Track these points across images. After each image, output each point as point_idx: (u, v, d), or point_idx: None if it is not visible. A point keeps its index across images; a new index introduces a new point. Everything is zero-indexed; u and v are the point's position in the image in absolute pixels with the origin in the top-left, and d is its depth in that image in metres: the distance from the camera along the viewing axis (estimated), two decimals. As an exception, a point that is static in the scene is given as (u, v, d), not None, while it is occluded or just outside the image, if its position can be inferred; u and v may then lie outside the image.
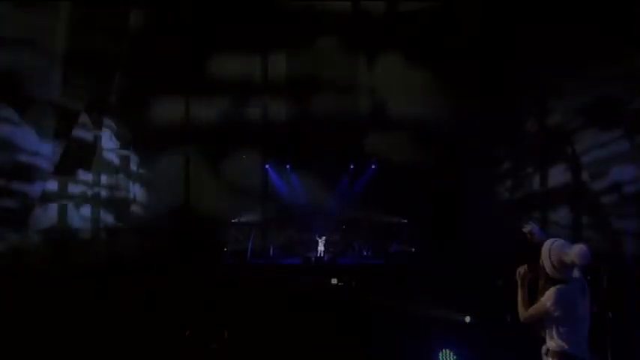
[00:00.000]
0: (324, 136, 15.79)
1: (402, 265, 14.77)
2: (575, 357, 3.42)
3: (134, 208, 14.17)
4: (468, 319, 5.12)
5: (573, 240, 10.61)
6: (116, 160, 13.47)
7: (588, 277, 7.50)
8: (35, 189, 9.44)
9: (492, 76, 11.77)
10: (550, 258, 3.59)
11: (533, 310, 3.50)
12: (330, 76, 10.56)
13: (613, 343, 4.54)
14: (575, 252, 3.49)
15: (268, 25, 13.57)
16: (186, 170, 17.17)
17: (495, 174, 15.60)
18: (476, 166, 16.79)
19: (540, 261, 3.66)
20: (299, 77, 11.78)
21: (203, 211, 16.96)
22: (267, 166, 18.94)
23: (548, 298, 3.46)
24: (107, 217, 12.80)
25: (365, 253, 19.18)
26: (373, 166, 18.85)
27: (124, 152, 13.92)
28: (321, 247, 18.05)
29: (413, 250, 18.01)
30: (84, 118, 10.50)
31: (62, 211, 10.96)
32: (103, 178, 12.68)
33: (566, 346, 3.40)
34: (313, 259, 16.81)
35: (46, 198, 10.17)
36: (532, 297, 3.56)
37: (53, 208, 10.61)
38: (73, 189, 11.36)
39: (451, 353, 4.22)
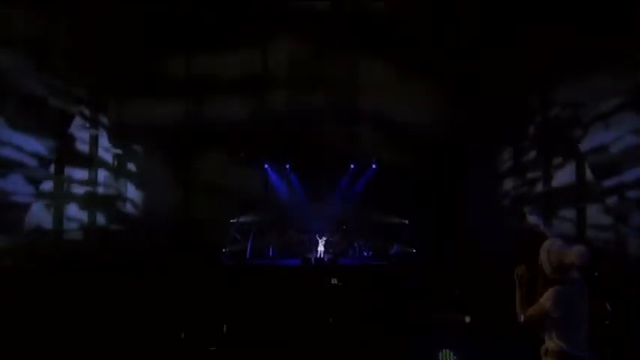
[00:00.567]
0: (325, 135, 15.79)
1: (402, 266, 14.79)
2: (574, 357, 3.44)
3: (123, 205, 14.07)
4: (468, 319, 5.14)
5: (575, 240, 10.67)
6: (108, 158, 13.42)
7: (589, 277, 7.54)
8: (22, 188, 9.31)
9: (494, 76, 11.78)
10: (549, 258, 3.61)
11: (532, 310, 3.52)
12: (331, 76, 10.56)
13: (614, 343, 4.56)
14: (575, 252, 3.51)
15: (268, 22, 13.63)
16: (183, 169, 17.18)
17: (497, 174, 15.62)
18: (477, 166, 16.81)
19: (539, 261, 3.68)
20: (299, 76, 11.78)
21: (201, 211, 16.99)
22: (266, 166, 18.97)
23: (547, 298, 3.48)
24: (99, 217, 12.72)
25: (365, 254, 19.26)
26: (374, 166, 18.93)
27: (117, 150, 13.91)
28: (321, 248, 18.07)
29: (414, 250, 18.03)
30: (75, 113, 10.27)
31: (58, 211, 10.94)
32: (96, 176, 12.57)
33: (565, 347, 3.42)
34: (313, 259, 16.82)
35: (40, 197, 10.16)
36: (531, 297, 3.57)
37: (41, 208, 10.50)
38: (66, 188, 11.30)
39: (451, 353, 4.24)
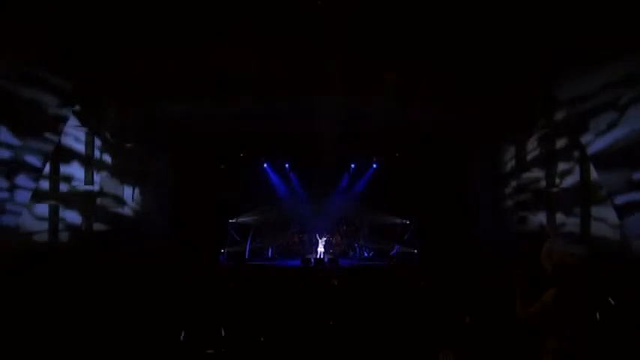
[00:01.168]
0: (325, 135, 15.79)
1: (403, 266, 14.79)
2: (575, 356, 3.45)
3: (118, 205, 14.00)
4: (467, 319, 5.15)
5: (577, 240, 10.60)
6: (105, 158, 13.32)
7: (591, 277, 7.55)
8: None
9: (496, 75, 11.78)
10: (551, 258, 3.61)
11: (533, 309, 3.52)
12: (334, 75, 10.55)
13: (615, 341, 4.56)
14: (576, 253, 3.52)
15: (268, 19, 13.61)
16: (180, 168, 17.20)
17: (499, 174, 15.62)
18: (479, 166, 16.82)
19: (541, 261, 3.68)
20: (299, 75, 11.77)
21: (199, 211, 17.01)
22: (265, 165, 18.98)
23: (549, 297, 3.49)
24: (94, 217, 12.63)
25: (366, 255, 19.29)
26: (374, 166, 18.93)
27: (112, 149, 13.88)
28: (320, 249, 18.09)
29: (415, 251, 18.04)
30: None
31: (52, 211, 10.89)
32: (92, 176, 12.46)
33: (565, 345, 3.43)
34: (313, 260, 16.84)
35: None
36: (532, 297, 3.58)
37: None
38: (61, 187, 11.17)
39: (451, 353, 4.25)
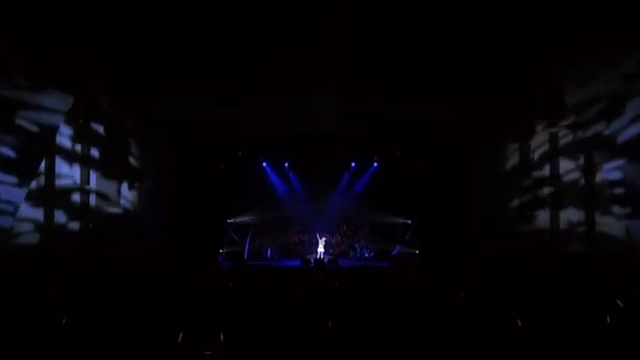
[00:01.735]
0: (325, 133, 15.75)
1: (404, 267, 14.73)
2: None
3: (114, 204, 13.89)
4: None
5: (584, 240, 10.40)
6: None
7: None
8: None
9: (499, 75, 11.75)
10: None
11: None
12: (333, 73, 10.51)
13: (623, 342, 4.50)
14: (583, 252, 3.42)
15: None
16: (178, 167, 17.15)
17: (500, 174, 15.56)
18: (482, 165, 16.76)
19: None
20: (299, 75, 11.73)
21: (197, 210, 16.96)
22: (264, 164, 18.91)
23: None
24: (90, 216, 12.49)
25: (367, 255, 19.24)
26: (375, 165, 18.87)
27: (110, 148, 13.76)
28: (320, 249, 18.03)
29: (417, 252, 17.99)
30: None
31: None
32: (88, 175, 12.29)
33: None
34: (312, 260, 16.79)
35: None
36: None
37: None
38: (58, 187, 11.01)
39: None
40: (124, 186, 13.95)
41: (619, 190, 9.52)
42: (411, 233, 18.65)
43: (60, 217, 11.15)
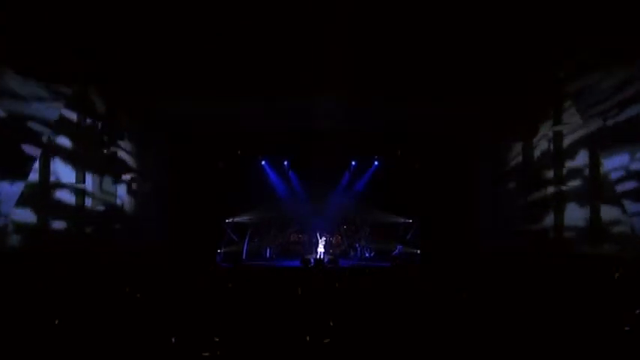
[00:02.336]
0: (325, 132, 15.72)
1: (405, 267, 14.69)
2: None
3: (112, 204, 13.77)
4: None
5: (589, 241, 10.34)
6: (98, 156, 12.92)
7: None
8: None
9: (500, 75, 11.73)
10: None
11: None
12: (333, 72, 10.50)
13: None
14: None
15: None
16: (176, 166, 17.10)
17: (504, 173, 15.53)
18: (484, 164, 16.73)
19: None
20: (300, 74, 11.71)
21: (194, 209, 16.92)
22: (263, 163, 18.85)
23: None
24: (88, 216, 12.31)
25: (367, 255, 19.20)
26: (376, 164, 18.82)
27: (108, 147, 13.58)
28: (320, 249, 17.98)
29: (418, 252, 17.94)
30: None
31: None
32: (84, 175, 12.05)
33: None
34: (312, 260, 16.74)
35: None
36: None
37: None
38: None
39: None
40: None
41: (626, 186, 9.48)
42: (413, 233, 18.59)
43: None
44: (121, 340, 4.78)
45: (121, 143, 14.27)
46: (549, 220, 12.73)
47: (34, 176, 10.28)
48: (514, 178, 14.93)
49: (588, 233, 10.92)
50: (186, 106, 14.38)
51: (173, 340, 4.59)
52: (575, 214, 11.58)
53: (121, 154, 14.28)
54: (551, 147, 12.68)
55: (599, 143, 10.29)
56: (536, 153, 13.60)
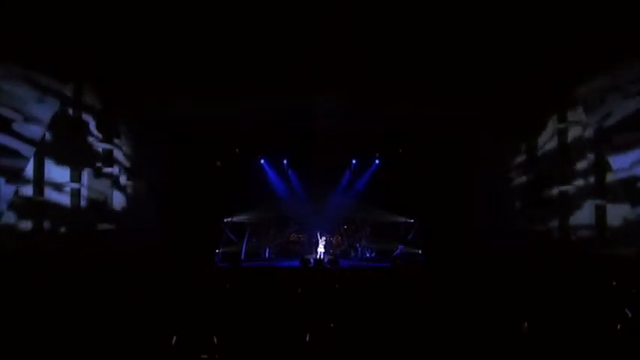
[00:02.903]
0: (325, 131, 15.73)
1: (407, 268, 14.69)
2: None
3: (110, 204, 13.73)
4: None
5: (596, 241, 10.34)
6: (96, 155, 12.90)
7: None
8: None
9: (500, 74, 11.76)
10: None
11: None
12: (333, 72, 10.53)
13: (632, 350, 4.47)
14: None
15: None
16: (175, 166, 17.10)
17: (506, 172, 15.54)
18: (485, 164, 16.74)
19: None
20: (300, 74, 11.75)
21: (192, 208, 16.92)
22: (262, 162, 18.85)
23: None
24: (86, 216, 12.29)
25: (368, 255, 19.19)
26: (376, 162, 18.81)
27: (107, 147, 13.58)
28: (320, 249, 17.97)
29: (420, 251, 17.93)
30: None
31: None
32: (80, 174, 12.04)
33: None
34: (312, 261, 16.73)
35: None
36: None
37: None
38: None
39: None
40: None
41: (631, 186, 9.49)
42: (414, 233, 18.59)
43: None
44: (118, 342, 4.79)
45: (118, 142, 14.31)
46: (554, 220, 12.74)
47: (28, 175, 10.34)
48: (516, 178, 14.94)
49: (595, 233, 10.94)
50: (186, 105, 14.41)
51: (174, 341, 4.61)
52: (580, 214, 11.59)
53: (118, 153, 14.31)
54: (556, 146, 12.69)
55: (605, 142, 10.29)
56: (540, 152, 13.61)
